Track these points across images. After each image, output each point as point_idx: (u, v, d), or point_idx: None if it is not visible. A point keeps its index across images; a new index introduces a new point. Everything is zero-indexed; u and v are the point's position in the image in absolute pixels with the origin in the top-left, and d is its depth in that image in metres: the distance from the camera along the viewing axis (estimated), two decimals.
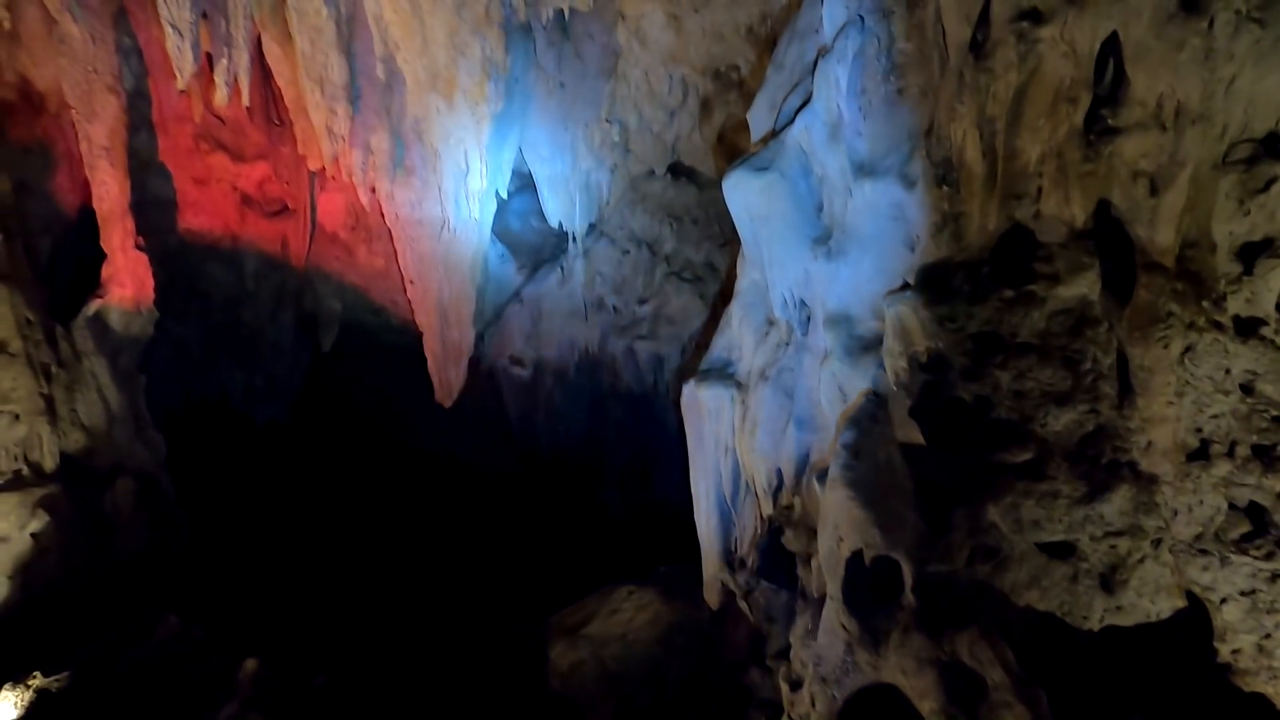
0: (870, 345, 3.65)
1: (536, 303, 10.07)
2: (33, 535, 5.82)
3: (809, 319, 4.26)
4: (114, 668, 5.41)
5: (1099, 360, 3.02)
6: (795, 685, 3.58)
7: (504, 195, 8.96)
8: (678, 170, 9.78)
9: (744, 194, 4.32)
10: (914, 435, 3.23)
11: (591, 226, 9.67)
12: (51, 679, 5.11)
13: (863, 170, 3.71)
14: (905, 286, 3.49)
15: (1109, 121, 3.07)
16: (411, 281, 8.95)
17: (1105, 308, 3.03)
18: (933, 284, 3.38)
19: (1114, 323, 3.02)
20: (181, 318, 9.65)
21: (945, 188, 3.41)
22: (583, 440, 10.20)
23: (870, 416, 3.31)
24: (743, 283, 5.12)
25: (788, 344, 4.51)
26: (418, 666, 6.54)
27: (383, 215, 8.70)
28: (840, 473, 3.16)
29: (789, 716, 3.55)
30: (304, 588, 7.98)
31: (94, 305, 7.08)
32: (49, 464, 6.21)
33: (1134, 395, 2.95)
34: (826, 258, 3.92)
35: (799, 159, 4.21)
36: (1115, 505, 2.89)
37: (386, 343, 10.82)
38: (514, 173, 9.01)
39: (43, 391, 6.25)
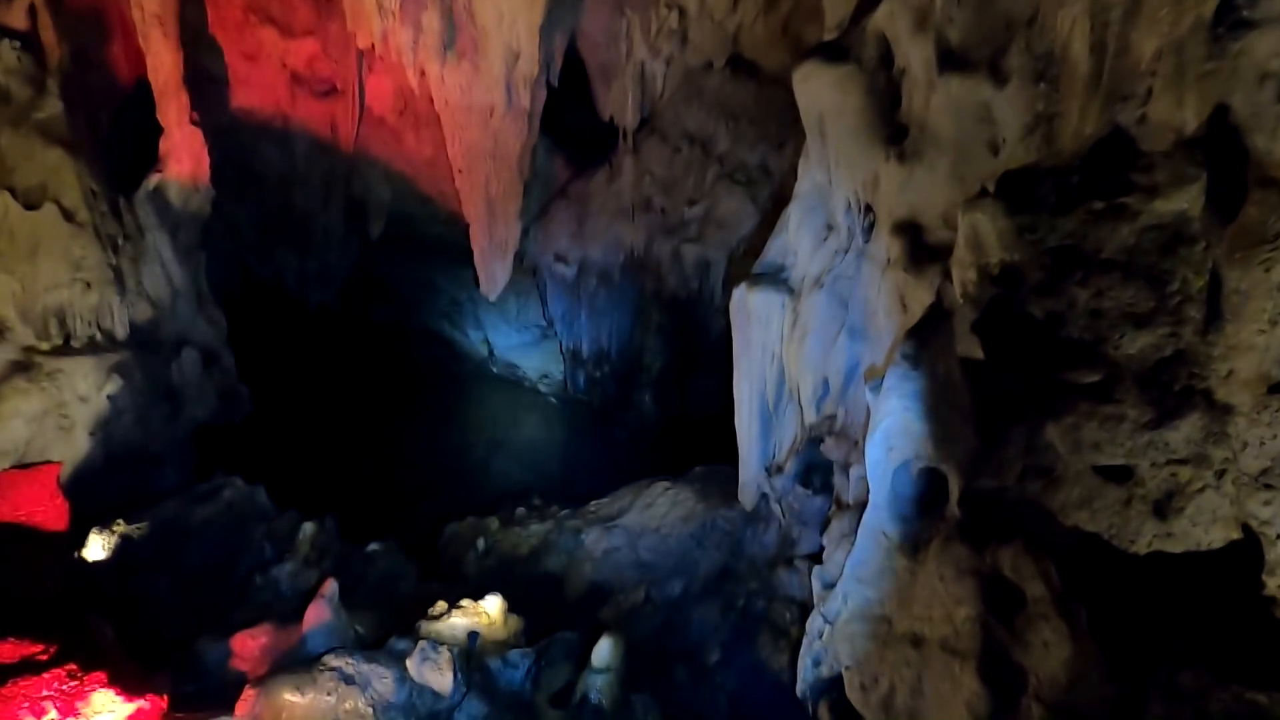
0: (937, 255, 3.49)
1: (583, 200, 9.87)
2: (109, 397, 6.19)
3: (873, 224, 4.08)
4: (187, 521, 5.88)
5: (1189, 281, 2.82)
6: (828, 584, 3.69)
7: (554, 84, 8.61)
8: (738, 63, 9.21)
9: (816, 86, 4.06)
10: (976, 350, 3.12)
11: (643, 122, 9.29)
12: (133, 526, 5.58)
13: (951, 62, 3.42)
14: (984, 193, 3.28)
15: (1243, 13, 2.73)
16: (460, 171, 8.82)
17: (1205, 225, 2.81)
18: (1015, 192, 3.16)
19: (1212, 241, 2.81)
20: (238, 200, 9.76)
21: (1042, 85, 3.12)
22: (624, 340, 10.25)
23: (932, 328, 3.20)
24: (804, 184, 4.90)
25: (847, 250, 4.36)
26: (459, 542, 6.95)
27: (431, 100, 8.48)
28: (897, 383, 3.11)
29: (818, 612, 3.68)
30: (354, 461, 8.43)
31: (154, 179, 7.18)
32: (120, 332, 6.52)
33: (1222, 321, 2.78)
34: (900, 159, 3.69)
35: (880, 49, 3.90)
36: (1183, 433, 2.78)
37: (433, 234, 10.83)
38: (566, 60, 8.60)
39: (110, 262, 6.46)
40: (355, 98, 9.49)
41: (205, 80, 8.79)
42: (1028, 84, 3.16)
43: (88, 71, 7.13)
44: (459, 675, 4.26)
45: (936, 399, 3.05)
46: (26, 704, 3.55)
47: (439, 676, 4.20)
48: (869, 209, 4.07)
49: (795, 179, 5.11)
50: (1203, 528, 2.83)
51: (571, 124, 10.00)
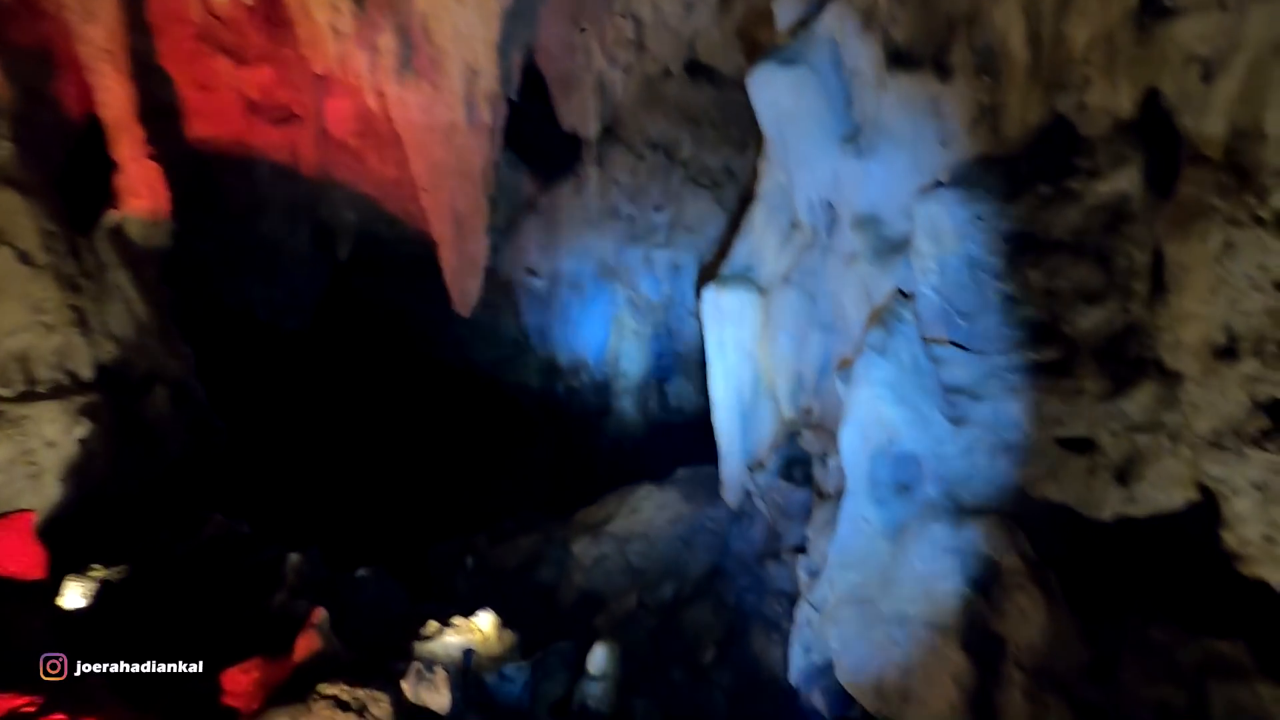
0: (899, 246, 3.61)
1: (551, 212, 9.91)
2: (79, 440, 6.05)
3: (835, 221, 4.20)
4: (169, 560, 5.77)
5: (1134, 257, 2.97)
6: (813, 573, 3.78)
7: (515, 98, 8.65)
8: (695, 69, 9.34)
9: (771, 90, 4.16)
10: (940, 334, 3.25)
11: (606, 131, 9.37)
12: (112, 570, 5.46)
13: (898, 61, 3.55)
14: (937, 185, 3.41)
15: (1165, 2, 2.89)
16: (425, 190, 8.80)
17: (1145, 203, 2.96)
18: (966, 182, 3.30)
19: (1153, 218, 2.96)
20: (201, 231, 9.62)
21: (985, 78, 3.26)
22: (600, 348, 10.30)
23: (897, 316, 3.32)
24: (766, 185, 5.01)
25: (812, 247, 4.47)
26: (448, 560, 6.93)
27: (392, 120, 8.46)
28: (866, 372, 3.21)
29: (806, 600, 3.76)
30: (335, 488, 8.34)
31: (111, 216, 7.06)
32: (86, 373, 6.38)
33: (1166, 293, 2.93)
34: (856, 156, 3.81)
35: (830, 51, 4.02)
36: (1138, 401, 2.92)
37: (403, 253, 10.78)
38: (525, 75, 8.66)
39: (71, 303, 6.33)
40: (315, 122, 9.44)
41: (159, 112, 8.68)
42: (971, 78, 3.29)
43: (38, 110, 7.00)
44: (456, 693, 4.26)
45: (905, 384, 3.15)
46: None
47: (436, 696, 4.20)
48: (830, 206, 4.18)
49: (758, 180, 5.22)
50: (1163, 491, 2.97)
51: (534, 137, 10.05)
